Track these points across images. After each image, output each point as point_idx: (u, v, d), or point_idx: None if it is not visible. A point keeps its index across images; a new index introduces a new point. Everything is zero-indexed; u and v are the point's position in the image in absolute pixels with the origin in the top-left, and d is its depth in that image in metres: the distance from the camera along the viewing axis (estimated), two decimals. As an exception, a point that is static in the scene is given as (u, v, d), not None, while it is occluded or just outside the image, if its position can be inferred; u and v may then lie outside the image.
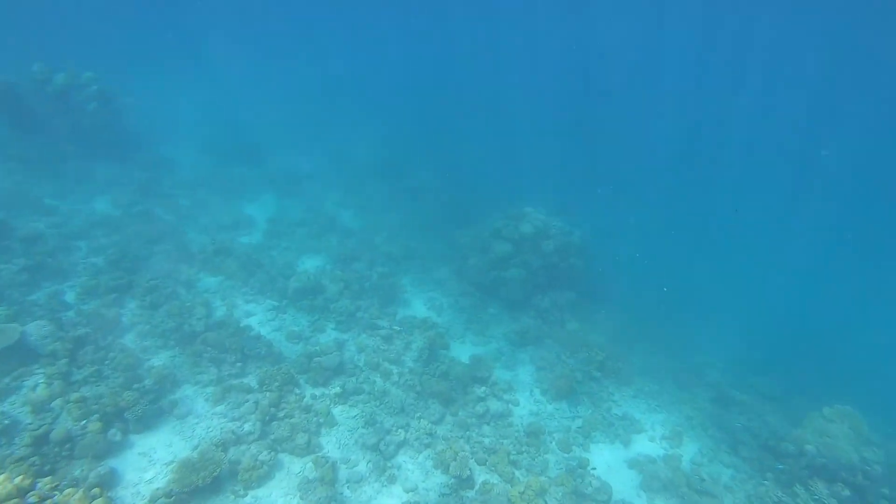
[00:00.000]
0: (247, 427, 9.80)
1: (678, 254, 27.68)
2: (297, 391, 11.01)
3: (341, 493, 9.19)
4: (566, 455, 11.58)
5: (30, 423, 8.73)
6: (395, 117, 36.64)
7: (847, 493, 11.05)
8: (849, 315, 25.60)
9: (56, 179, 18.78)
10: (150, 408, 9.65)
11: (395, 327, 14.02)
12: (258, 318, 13.83)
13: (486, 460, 10.42)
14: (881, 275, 29.74)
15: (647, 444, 12.74)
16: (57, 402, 9.33)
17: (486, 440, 11.18)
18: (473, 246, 19.19)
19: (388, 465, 9.91)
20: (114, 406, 9.24)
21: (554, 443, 11.82)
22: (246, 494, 8.71)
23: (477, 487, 9.90)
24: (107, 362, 10.71)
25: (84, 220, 16.52)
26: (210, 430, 9.76)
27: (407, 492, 9.53)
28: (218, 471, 8.45)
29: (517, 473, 10.31)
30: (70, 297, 13.01)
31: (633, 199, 31.41)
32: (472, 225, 21.13)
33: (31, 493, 7.45)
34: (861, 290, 28.18)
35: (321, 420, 10.38)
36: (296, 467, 9.43)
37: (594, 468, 11.38)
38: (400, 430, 10.60)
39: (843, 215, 34.12)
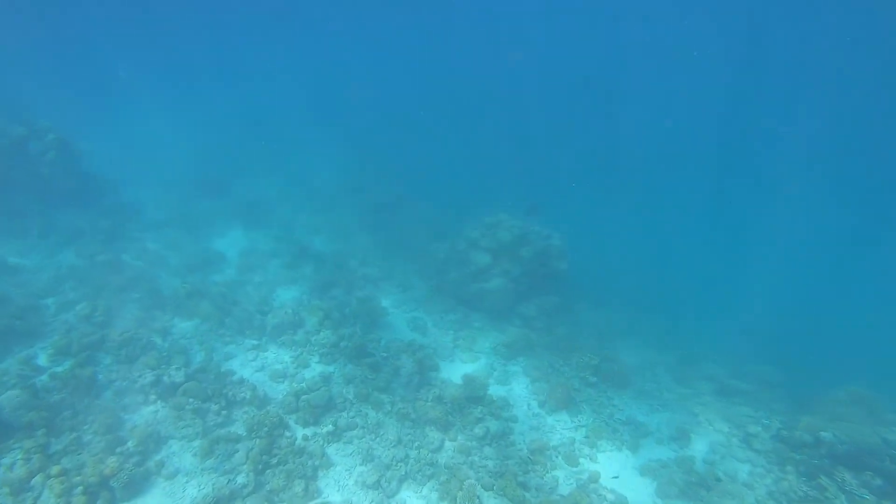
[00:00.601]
0: (240, 480, 9.58)
1: (662, 246, 28.25)
2: (288, 433, 10.80)
3: (345, 538, 9.04)
4: (575, 469, 11.57)
5: (9, 506, 8.40)
6: (358, 133, 36.74)
7: (879, 482, 10.81)
8: (838, 299, 26.26)
9: (19, 236, 18.24)
10: (135, 472, 9.36)
11: (382, 354, 13.86)
12: (239, 360, 13.57)
13: (494, 485, 10.34)
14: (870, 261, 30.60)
15: (656, 448, 12.76)
16: (37, 479, 8.98)
17: (490, 463, 11.11)
18: (451, 259, 19.18)
19: (392, 502, 9.78)
20: (97, 476, 8.94)
21: (560, 457, 11.81)
22: (245, 552, 8.50)
23: (486, 515, 9.84)
24: (86, 426, 10.38)
25: (50, 276, 16.03)
26: (202, 487, 9.50)
27: (414, 528, 9.42)
28: (214, 532, 8.23)
29: (527, 496, 10.24)
30: (42, 359, 12.59)
31: (613, 197, 31.98)
32: (448, 237, 21.17)
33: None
34: (851, 274, 28.91)
35: (317, 462, 10.20)
36: (294, 516, 9.24)
37: (615, 476, 11.38)
38: (400, 464, 10.46)
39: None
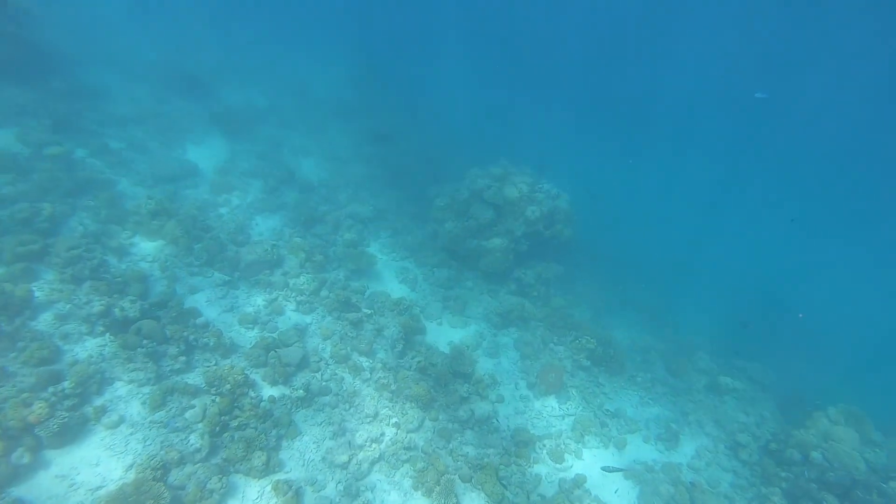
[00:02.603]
0: (192, 441, 8.58)
1: (665, 216, 27.32)
2: (253, 394, 9.76)
3: (306, 523, 8.22)
4: (559, 466, 10.96)
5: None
6: (362, 49, 34.05)
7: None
8: (829, 289, 25.93)
9: (-55, 108, 16.11)
10: (70, 417, 8.24)
11: (366, 310, 12.76)
12: (205, 295, 12.32)
13: (472, 477, 9.62)
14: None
15: (643, 447, 12.32)
16: (-55, 415, 7.80)
17: (471, 451, 10.38)
18: (450, 207, 17.89)
19: (361, 486, 8.95)
20: (19, 420, 7.78)
21: (545, 451, 11.19)
22: (192, 530, 7.60)
23: (462, 511, 9.13)
24: (13, 354, 9.12)
25: (-17, 162, 14.17)
26: (147, 443, 8.48)
27: (382, 518, 8.66)
28: (157, 505, 7.27)
29: (507, 494, 9.56)
30: (-33, 263, 11.14)
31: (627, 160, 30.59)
32: (447, 180, 19.82)
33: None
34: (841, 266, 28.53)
35: (282, 431, 9.22)
36: (252, 492, 8.34)
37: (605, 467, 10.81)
38: (374, 444, 9.58)
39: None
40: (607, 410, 12.92)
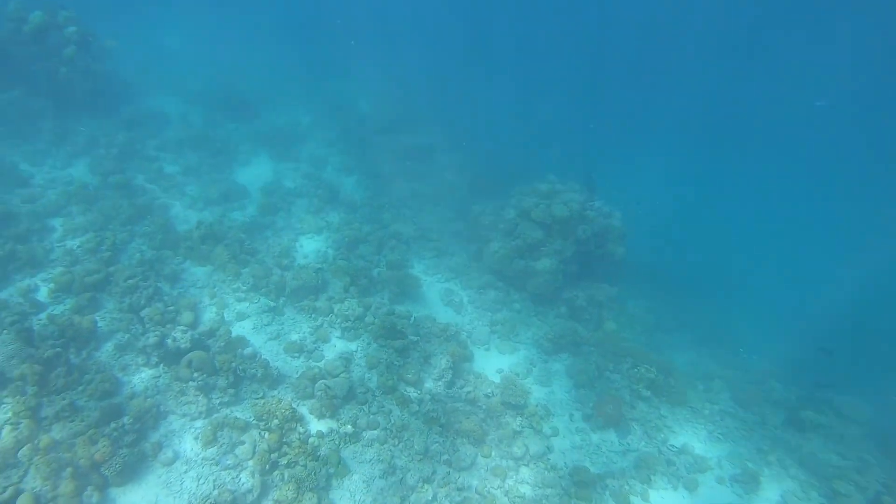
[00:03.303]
0: (244, 480, 8.76)
1: (721, 231, 26.19)
2: (301, 429, 9.87)
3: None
4: (623, 511, 10.54)
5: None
6: (404, 64, 34.20)
7: None
8: None
9: (33, 140, 17.31)
10: (130, 453, 8.54)
11: (412, 337, 12.74)
12: (252, 321, 12.62)
13: (528, 522, 9.39)
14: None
15: (717, 489, 11.54)
16: (24, 452, 8.22)
17: (528, 491, 10.15)
18: (496, 226, 17.73)
19: (412, 530, 8.90)
20: (87, 458, 8.13)
21: (608, 492, 10.74)
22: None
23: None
24: (80, 387, 9.57)
25: (60, 192, 15.11)
26: (201, 482, 8.71)
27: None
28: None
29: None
30: (43, 293, 11.87)
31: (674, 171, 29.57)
32: (492, 197, 19.74)
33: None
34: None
35: (331, 470, 9.28)
36: (303, 534, 8.42)
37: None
38: (426, 486, 9.50)
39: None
40: (673, 447, 12.36)
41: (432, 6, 47.17)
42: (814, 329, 17.90)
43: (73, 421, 8.95)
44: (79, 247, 13.09)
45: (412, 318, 13.78)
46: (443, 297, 15.64)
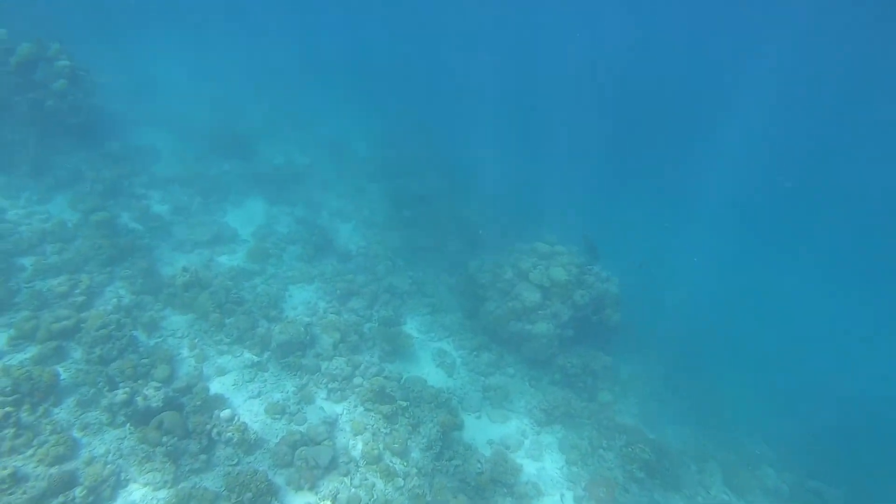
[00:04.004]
0: (206, 565, 7.85)
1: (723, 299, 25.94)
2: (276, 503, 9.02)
3: None
4: None
5: None
6: (400, 105, 34.62)
7: None
8: None
9: (7, 171, 16.62)
10: (80, 531, 7.66)
11: (401, 402, 12.01)
12: (233, 377, 11.86)
13: None
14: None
15: None
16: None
17: (512, 587, 9.30)
18: (493, 285, 17.24)
19: None
20: (28, 538, 7.25)
21: (596, 590, 9.94)
22: None
23: None
24: (30, 451, 8.70)
25: (35, 229, 14.39)
26: (159, 568, 7.79)
27: None
28: None
29: None
30: (2, 340, 11.00)
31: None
32: (490, 250, 19.40)
33: None
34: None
35: (306, 555, 8.43)
36: None
37: None
38: (406, 577, 8.67)
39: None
40: (665, 536, 11.64)
41: (433, 50, 48.39)
42: (814, 414, 17.57)
43: (12, 494, 8.05)
44: (49, 290, 12.34)
45: (403, 380, 13.12)
46: (435, 357, 15.00)
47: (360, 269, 17.36)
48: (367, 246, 18.81)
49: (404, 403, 12.06)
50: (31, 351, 10.81)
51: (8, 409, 8.92)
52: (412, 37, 50.02)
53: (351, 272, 16.85)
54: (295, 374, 12.30)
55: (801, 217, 36.24)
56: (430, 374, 14.31)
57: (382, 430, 11.33)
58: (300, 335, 12.57)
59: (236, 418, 10.34)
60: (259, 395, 11.58)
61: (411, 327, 15.79)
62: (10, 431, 8.72)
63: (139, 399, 9.81)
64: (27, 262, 13.40)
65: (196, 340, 12.40)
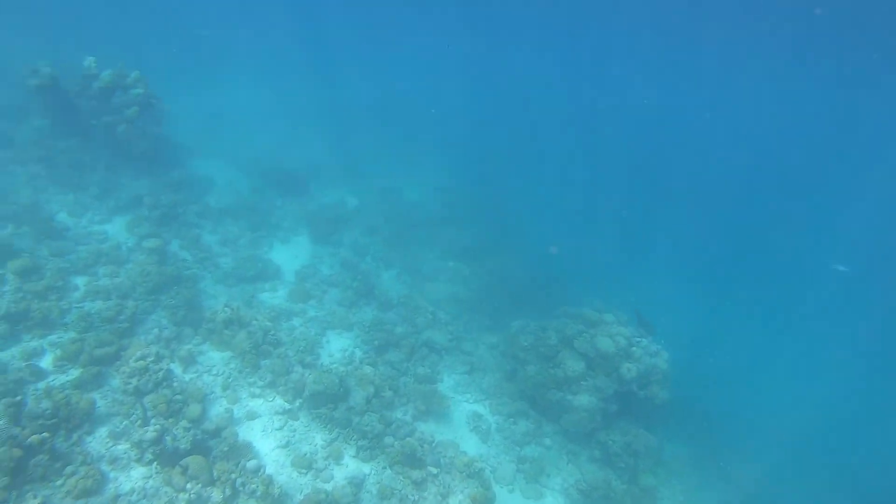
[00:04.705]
0: None
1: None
2: (294, 571, 8.76)
3: None
4: None
5: None
6: (456, 154, 34.98)
7: None
8: None
9: (77, 191, 17.66)
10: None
11: (432, 468, 11.69)
12: (262, 423, 11.81)
13: None
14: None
15: None
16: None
17: None
18: (535, 348, 16.87)
19: None
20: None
21: None
22: None
23: None
24: (60, 482, 8.78)
25: (92, 250, 15.08)
26: None
27: None
28: None
29: None
30: (47, 360, 11.39)
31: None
32: (534, 309, 19.18)
33: None
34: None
35: None
36: None
37: None
38: None
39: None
40: None
41: (488, 98, 49.35)
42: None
43: (40, 525, 8.13)
44: (97, 312, 12.74)
45: (435, 443, 12.80)
46: (470, 420, 14.64)
47: (400, 320, 17.30)
48: (408, 295, 18.79)
49: (434, 471, 11.73)
50: (74, 374, 11.12)
51: (45, 434, 9.06)
52: (477, 90, 51.31)
53: (390, 322, 16.80)
54: (325, 427, 12.17)
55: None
56: (464, 438, 13.94)
57: (410, 496, 11.02)
58: (334, 387, 12.47)
59: (262, 470, 10.24)
60: (287, 445, 11.46)
61: (447, 385, 15.53)
62: (43, 458, 8.83)
63: (168, 439, 9.86)
64: (81, 281, 14.00)
65: (230, 380, 12.48)
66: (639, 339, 16.56)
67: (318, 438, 11.87)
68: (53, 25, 32.05)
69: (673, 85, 47.63)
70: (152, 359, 11.52)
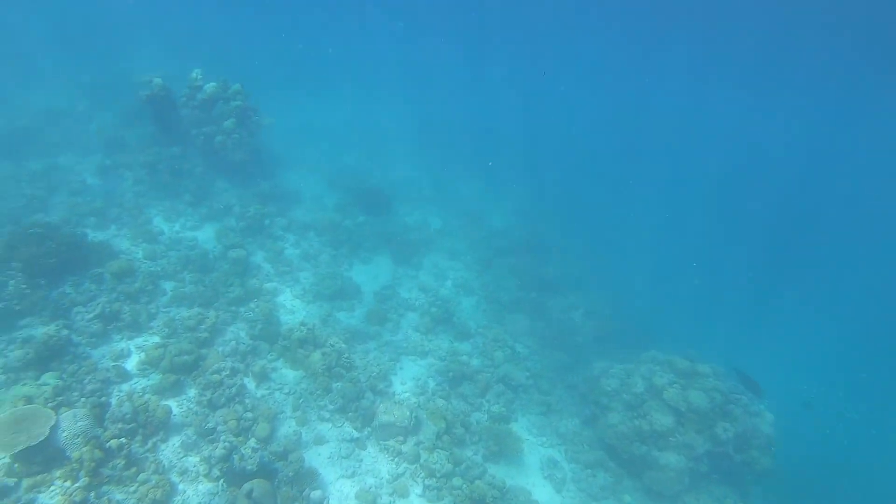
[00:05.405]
0: None
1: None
2: None
3: None
4: None
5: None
6: (545, 181, 34.58)
7: None
8: None
9: (173, 197, 18.85)
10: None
11: (500, 518, 11.25)
12: (329, 449, 11.84)
13: None
14: None
15: None
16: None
17: None
18: (619, 395, 16.04)
19: None
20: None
21: None
22: None
23: None
24: (132, 489, 9.14)
25: (181, 256, 16.00)
26: None
27: None
28: None
29: None
30: (132, 362, 12.04)
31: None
32: (620, 350, 18.40)
33: None
34: None
35: None
36: None
37: None
38: None
39: None
40: None
41: (595, 134, 48.84)
42: None
43: (109, 532, 8.46)
44: (180, 320, 13.39)
45: (505, 487, 12.33)
46: (544, 466, 14.05)
47: (477, 352, 17.04)
48: (487, 326, 18.51)
49: (503, 521, 11.27)
50: (154, 379, 11.68)
51: (123, 439, 9.49)
52: (571, 119, 51.01)
53: (466, 354, 16.56)
54: (393, 460, 12.03)
55: None
56: (537, 485, 13.38)
57: (475, 546, 10.60)
58: (405, 420, 12.34)
59: (326, 501, 10.24)
60: (353, 475, 11.41)
61: (522, 427, 15.03)
62: (120, 462, 9.24)
63: (236, 458, 10.04)
64: (169, 286, 14.83)
65: (301, 401, 12.65)
66: (738, 397, 15.37)
67: (385, 472, 11.75)
68: (171, 39, 35.15)
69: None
70: (227, 373, 11.93)
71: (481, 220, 26.75)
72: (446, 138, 35.45)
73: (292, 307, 16.18)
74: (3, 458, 8.74)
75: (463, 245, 23.33)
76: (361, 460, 11.86)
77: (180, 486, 9.76)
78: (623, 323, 21.08)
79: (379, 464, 11.91)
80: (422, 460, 12.06)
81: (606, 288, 23.99)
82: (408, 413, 12.45)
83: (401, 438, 12.41)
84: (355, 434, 12.28)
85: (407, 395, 14.07)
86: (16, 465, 8.71)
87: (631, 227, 32.69)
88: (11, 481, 8.64)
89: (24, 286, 12.32)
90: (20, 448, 8.48)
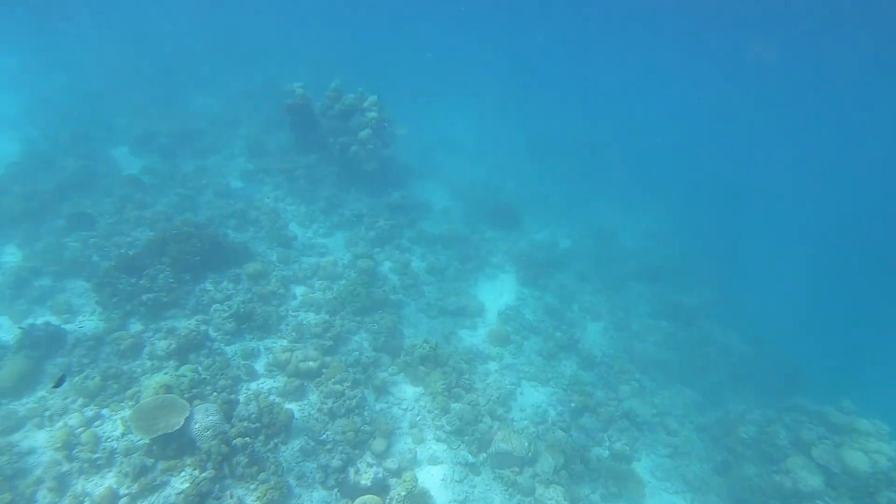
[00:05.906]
0: None
1: None
2: None
3: None
4: None
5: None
6: (679, 202, 32.57)
7: None
8: None
9: (308, 203, 20.02)
10: None
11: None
12: (443, 470, 11.74)
13: None
14: None
15: None
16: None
17: None
18: (757, 445, 14.55)
19: None
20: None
21: None
22: None
23: None
24: (253, 486, 9.63)
25: (312, 262, 16.87)
26: None
27: None
28: None
29: None
30: (261, 363, 12.80)
31: None
32: (759, 394, 17.43)
33: None
34: None
35: None
36: None
37: None
38: None
39: None
40: None
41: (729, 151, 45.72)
42: None
43: (234, 527, 8.93)
44: (307, 326, 14.07)
45: (625, 538, 11.53)
46: (668, 517, 12.99)
47: (601, 383, 16.23)
48: (613, 355, 17.59)
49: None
50: (280, 381, 12.31)
51: (247, 438, 10.05)
52: (709, 138, 48.07)
53: (590, 384, 15.83)
54: (506, 490, 11.68)
55: None
56: (660, 538, 12.37)
57: None
58: (523, 450, 11.94)
59: (436, 525, 10.10)
60: (465, 501, 11.21)
61: (644, 467, 14.03)
62: (243, 459, 9.78)
63: (352, 471, 10.26)
64: (299, 291, 15.69)
65: (418, 419, 12.72)
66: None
67: (498, 502, 11.43)
68: (313, 50, 37.88)
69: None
70: (349, 384, 12.28)
71: (612, 240, 25.67)
72: (578, 155, 34.66)
73: (415, 320, 16.41)
74: (144, 439, 9.58)
75: (592, 267, 22.47)
76: (475, 486, 11.63)
77: (297, 490, 10.13)
78: (764, 362, 19.20)
79: (492, 492, 11.61)
80: (536, 494, 11.60)
81: (745, 322, 21.93)
82: (526, 444, 12.04)
83: (516, 469, 12.02)
84: (470, 459, 12.08)
85: (526, 423, 13.65)
86: (154, 448, 9.54)
87: (772, 252, 29.99)
88: (150, 461, 9.46)
89: (172, 280, 13.65)
90: (158, 434, 9.27)
